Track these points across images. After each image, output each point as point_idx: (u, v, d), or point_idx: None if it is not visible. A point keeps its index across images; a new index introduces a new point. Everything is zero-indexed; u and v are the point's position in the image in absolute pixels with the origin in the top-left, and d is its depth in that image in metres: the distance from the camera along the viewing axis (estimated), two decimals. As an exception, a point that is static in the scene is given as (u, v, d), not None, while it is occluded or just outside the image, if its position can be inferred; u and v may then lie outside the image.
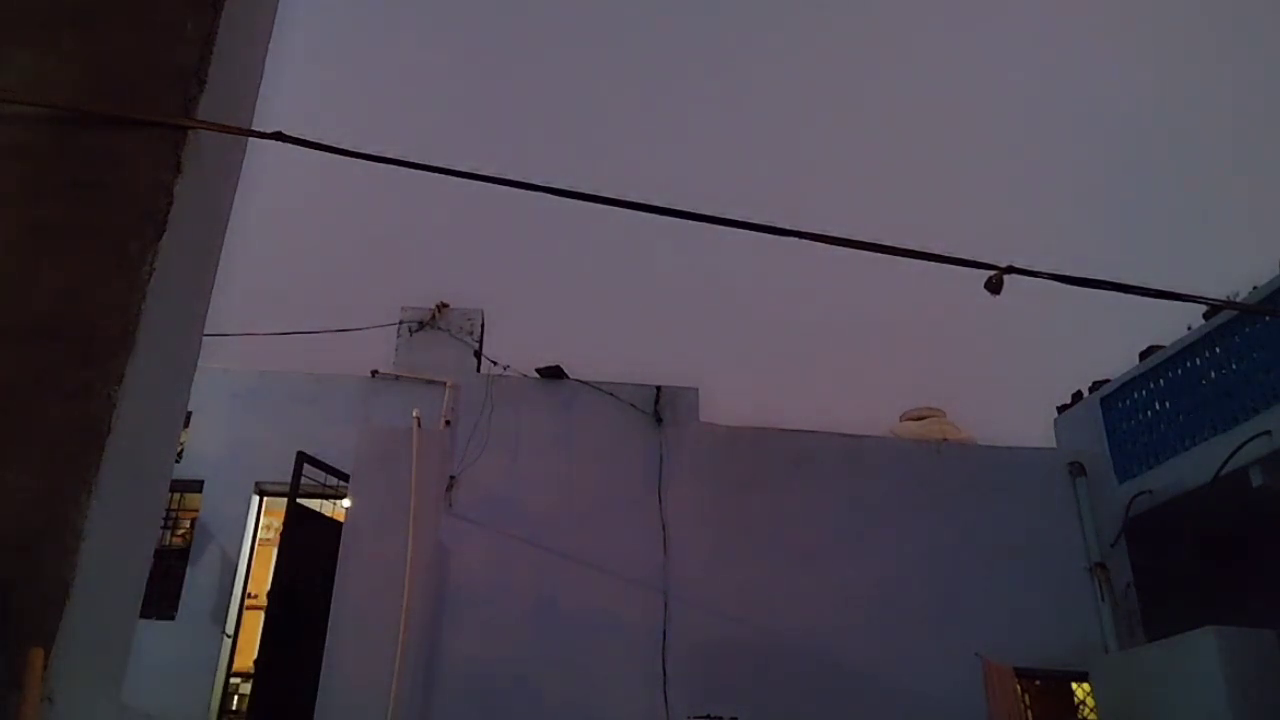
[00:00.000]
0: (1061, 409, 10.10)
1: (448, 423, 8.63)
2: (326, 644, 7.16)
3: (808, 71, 23.81)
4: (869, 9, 23.60)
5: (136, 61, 2.83)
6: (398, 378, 9.04)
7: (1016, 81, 23.60)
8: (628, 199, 3.22)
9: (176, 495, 8.46)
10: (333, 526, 8.11)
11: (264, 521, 8.94)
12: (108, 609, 2.51)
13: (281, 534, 7.97)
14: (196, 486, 8.48)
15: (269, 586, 7.88)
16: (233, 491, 8.53)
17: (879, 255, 3.29)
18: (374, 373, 9.07)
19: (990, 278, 3.33)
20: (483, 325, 9.49)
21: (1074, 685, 8.39)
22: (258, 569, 8.76)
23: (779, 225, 3.26)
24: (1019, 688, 7.98)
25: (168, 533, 8.41)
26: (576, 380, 9.15)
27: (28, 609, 2.19)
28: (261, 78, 3.45)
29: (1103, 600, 8.51)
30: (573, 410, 9.02)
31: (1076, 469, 9.08)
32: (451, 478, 8.48)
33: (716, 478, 8.84)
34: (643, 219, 3.29)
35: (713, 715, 7.57)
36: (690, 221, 3.25)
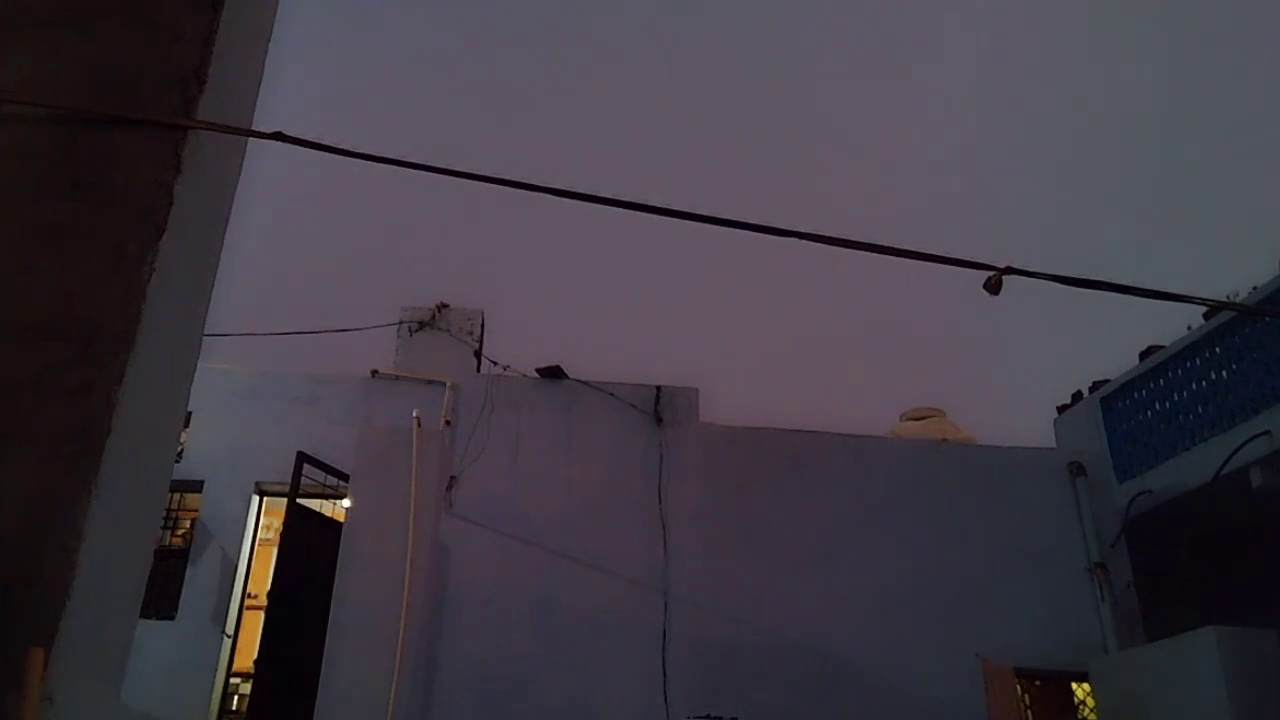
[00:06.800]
0: (1061, 409, 10.11)
1: (448, 423, 8.63)
2: (326, 644, 7.17)
3: (809, 72, 23.81)
4: (870, 11, 23.60)
5: (136, 61, 2.83)
6: (398, 378, 9.03)
7: (1016, 82, 23.60)
8: (628, 199, 3.22)
9: (176, 495, 8.47)
10: (333, 526, 8.12)
11: (264, 521, 8.95)
12: (108, 609, 2.51)
13: (281, 534, 7.98)
14: (196, 486, 8.48)
15: (269, 586, 7.89)
16: (233, 491, 8.54)
17: (878, 255, 3.29)
18: (374, 373, 9.07)
19: (989, 278, 3.34)
20: (483, 325, 9.49)
21: (1074, 685, 8.39)
22: (258, 569, 8.76)
23: (779, 225, 3.26)
24: (1019, 688, 7.97)
25: (168, 533, 8.42)
26: (576, 380, 9.14)
27: (28, 609, 2.19)
28: (261, 78, 3.45)
29: (1103, 600, 8.51)
30: (573, 410, 9.01)
31: (1076, 469, 9.08)
32: (451, 478, 8.48)
33: (716, 478, 8.84)
34: (644, 219, 3.29)
35: (713, 715, 7.56)
36: (690, 222, 3.24)
